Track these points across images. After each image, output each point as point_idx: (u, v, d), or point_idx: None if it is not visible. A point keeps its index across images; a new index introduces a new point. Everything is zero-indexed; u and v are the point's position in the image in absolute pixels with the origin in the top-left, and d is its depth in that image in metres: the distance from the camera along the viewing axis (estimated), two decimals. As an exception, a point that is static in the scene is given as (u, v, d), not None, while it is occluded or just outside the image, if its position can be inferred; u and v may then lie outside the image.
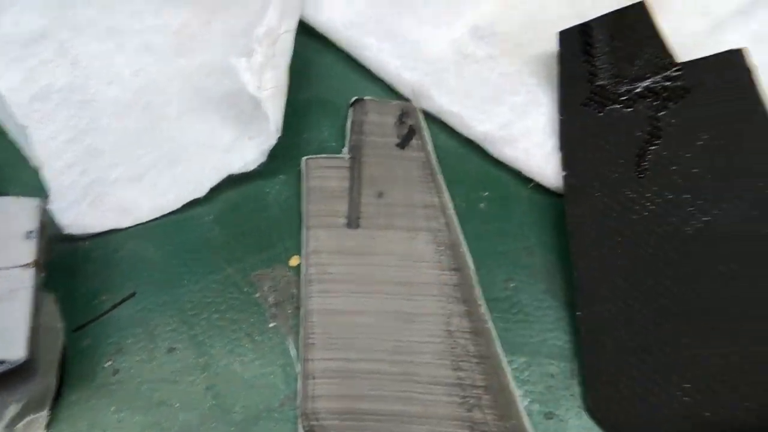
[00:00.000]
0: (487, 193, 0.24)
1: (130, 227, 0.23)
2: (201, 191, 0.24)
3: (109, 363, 0.20)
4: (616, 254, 0.20)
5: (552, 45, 0.26)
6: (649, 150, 0.21)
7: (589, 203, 0.21)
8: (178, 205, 0.24)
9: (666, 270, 0.19)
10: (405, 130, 0.27)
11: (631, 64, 0.24)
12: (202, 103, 0.27)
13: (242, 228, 0.24)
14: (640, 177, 0.21)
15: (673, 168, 0.21)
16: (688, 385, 0.17)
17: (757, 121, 0.21)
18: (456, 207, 0.23)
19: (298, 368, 0.20)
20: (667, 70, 0.23)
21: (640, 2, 0.24)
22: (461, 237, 0.23)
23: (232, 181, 0.25)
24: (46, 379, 0.18)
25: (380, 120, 0.27)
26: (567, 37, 0.25)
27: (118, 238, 0.23)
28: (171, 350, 0.20)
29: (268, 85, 0.24)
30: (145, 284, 0.22)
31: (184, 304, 0.21)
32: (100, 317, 0.21)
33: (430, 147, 0.26)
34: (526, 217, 0.23)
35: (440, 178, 0.25)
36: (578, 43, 0.25)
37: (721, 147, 0.21)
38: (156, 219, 0.24)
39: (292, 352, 0.20)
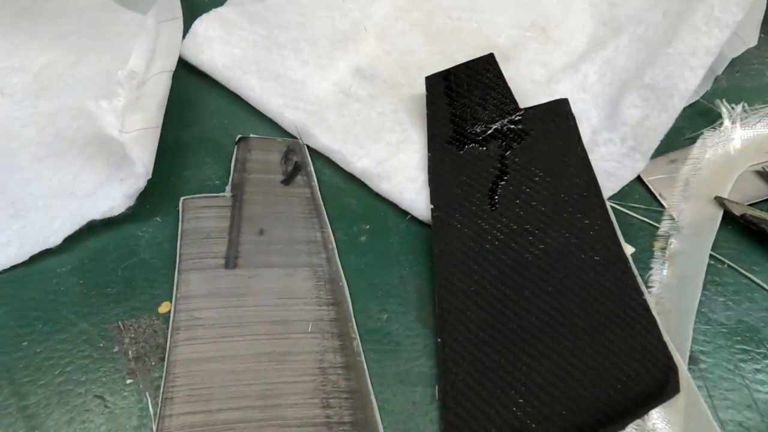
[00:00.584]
0: (368, 226, 0.25)
1: (-45, 287, 0.21)
2: (53, 242, 0.22)
3: None
4: (472, 281, 0.21)
5: (421, 87, 0.28)
6: (499, 185, 0.24)
7: (451, 234, 0.23)
8: (21, 259, 0.21)
9: (511, 294, 0.21)
10: (290, 167, 0.27)
11: (483, 108, 0.26)
12: (64, 148, 0.25)
13: (105, 277, 0.22)
14: (493, 210, 0.23)
15: (517, 201, 0.23)
16: (521, 401, 0.18)
17: (575, 160, 0.24)
18: (338, 241, 0.24)
19: (154, 427, 0.18)
20: (511, 114, 0.26)
21: (490, 54, 0.28)
22: (341, 271, 0.23)
23: (96, 229, 0.23)
24: None
25: (265, 157, 0.27)
26: (432, 82, 0.28)
27: (-62, 301, 0.20)
28: (-8, 430, 0.17)
29: (135, 126, 0.23)
30: (-30, 353, 0.19)
31: (18, 372, 0.19)
32: None
33: (314, 182, 0.26)
34: (401, 248, 0.24)
35: (323, 212, 0.25)
36: (442, 87, 0.28)
37: (550, 183, 0.24)
38: (-6, 275, 0.21)
39: (150, 408, 0.18)
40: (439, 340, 0.20)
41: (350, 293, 0.22)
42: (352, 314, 0.21)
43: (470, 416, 0.18)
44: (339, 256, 0.23)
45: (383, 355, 0.20)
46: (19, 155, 0.24)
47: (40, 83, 0.26)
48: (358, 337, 0.21)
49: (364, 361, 0.20)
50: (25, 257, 0.21)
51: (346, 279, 0.22)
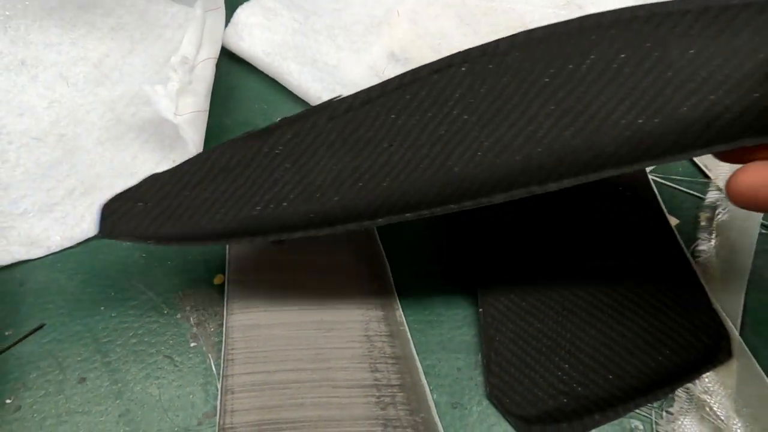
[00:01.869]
0: (405, 202, 0.26)
1: (38, 258, 0.23)
2: (119, 217, 0.24)
3: (10, 400, 0.19)
4: (512, 250, 0.22)
5: (456, 66, 0.29)
6: None
7: (487, 216, 0.23)
8: (92, 233, 0.23)
9: (554, 265, 0.21)
10: (328, 148, 0.28)
11: None
12: (122, 131, 0.27)
13: (164, 251, 0.24)
14: None
15: None
16: (566, 366, 0.19)
17: None
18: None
19: (219, 385, 0.20)
20: None
21: None
22: (381, 247, 0.24)
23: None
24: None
25: (304, 139, 0.28)
26: None
27: (25, 270, 0.22)
28: (81, 380, 0.20)
29: (187, 110, 0.25)
30: (55, 315, 0.21)
31: (98, 333, 0.21)
32: (1, 353, 0.20)
33: (352, 162, 0.28)
34: (438, 222, 0.24)
35: (362, 190, 0.26)
36: None
37: None
38: (70, 248, 0.23)
39: (214, 369, 0.20)
40: (480, 310, 0.21)
41: (390, 265, 0.23)
42: (393, 285, 0.22)
43: (514, 380, 0.19)
44: (378, 231, 0.24)
45: (426, 324, 0.21)
46: (84, 139, 0.26)
47: (100, 72, 0.28)
48: (400, 307, 0.22)
49: (407, 330, 0.21)
50: (94, 233, 0.23)
51: (386, 253, 0.23)
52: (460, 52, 0.17)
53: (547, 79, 0.16)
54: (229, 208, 0.18)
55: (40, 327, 0.21)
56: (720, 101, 0.14)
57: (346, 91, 0.31)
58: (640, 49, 0.15)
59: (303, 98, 0.30)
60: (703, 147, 0.15)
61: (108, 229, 0.19)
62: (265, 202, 0.18)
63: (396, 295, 0.22)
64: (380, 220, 0.17)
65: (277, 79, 0.30)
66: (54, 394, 0.19)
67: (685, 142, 0.15)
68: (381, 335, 0.21)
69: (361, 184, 0.17)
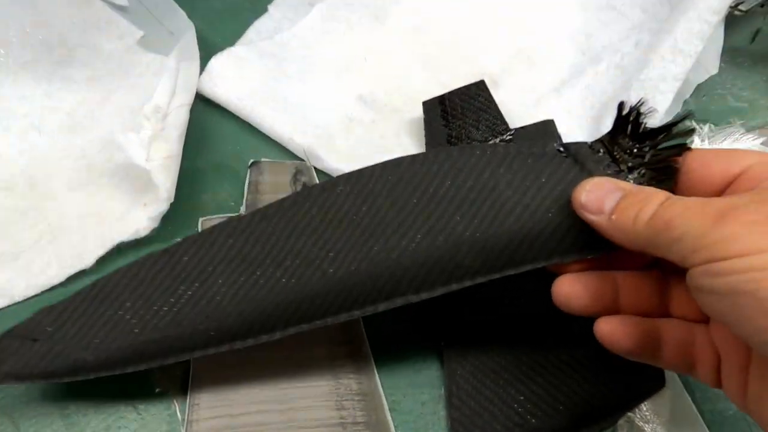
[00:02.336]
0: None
1: (1, 308, 0.22)
2: (86, 263, 0.24)
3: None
4: (472, 288, 0.23)
5: (420, 111, 0.31)
6: None
7: None
8: (58, 280, 0.23)
9: (509, 300, 0.22)
10: (299, 187, 0.29)
11: (477, 128, 0.29)
12: (94, 177, 0.27)
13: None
14: None
15: None
16: (521, 398, 0.20)
17: None
18: (347, 252, 0.25)
19: (183, 431, 0.19)
20: (503, 134, 0.28)
21: (481, 80, 0.30)
22: (351, 279, 0.24)
23: (123, 250, 0.25)
24: None
25: (276, 179, 0.29)
26: (429, 106, 0.30)
27: (-14, 320, 0.22)
28: (35, 438, 0.19)
29: (159, 155, 0.26)
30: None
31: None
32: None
33: (323, 200, 0.28)
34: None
35: (332, 227, 0.27)
36: (438, 111, 0.30)
37: None
38: (34, 296, 0.23)
39: (179, 415, 0.20)
40: (442, 343, 0.21)
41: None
42: (361, 322, 0.23)
43: (474, 413, 0.20)
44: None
45: (392, 359, 0.22)
46: (55, 184, 0.27)
47: (73, 120, 0.29)
48: (367, 343, 0.22)
49: (374, 366, 0.21)
50: (63, 278, 0.23)
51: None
52: (344, 174, 0.20)
53: (414, 200, 0.19)
54: (126, 333, 0.18)
55: (-3, 380, 0.20)
56: (533, 226, 0.17)
57: (317, 131, 0.33)
58: (480, 179, 0.18)
59: (276, 140, 0.31)
60: (530, 263, 0.18)
61: None
62: (163, 323, 0.18)
63: (363, 330, 0.22)
64: (277, 334, 0.18)
65: (250, 122, 0.31)
66: (4, 454, 0.18)
67: (518, 258, 0.18)
68: (347, 372, 0.21)
69: (258, 297, 0.18)
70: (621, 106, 0.18)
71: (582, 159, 0.18)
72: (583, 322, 0.21)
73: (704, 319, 0.16)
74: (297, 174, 0.30)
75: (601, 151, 0.18)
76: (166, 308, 0.18)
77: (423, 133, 0.30)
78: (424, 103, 0.30)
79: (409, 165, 0.19)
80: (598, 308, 0.17)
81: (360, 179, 0.19)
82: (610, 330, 0.17)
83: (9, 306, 0.22)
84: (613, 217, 0.16)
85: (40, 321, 0.19)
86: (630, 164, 0.18)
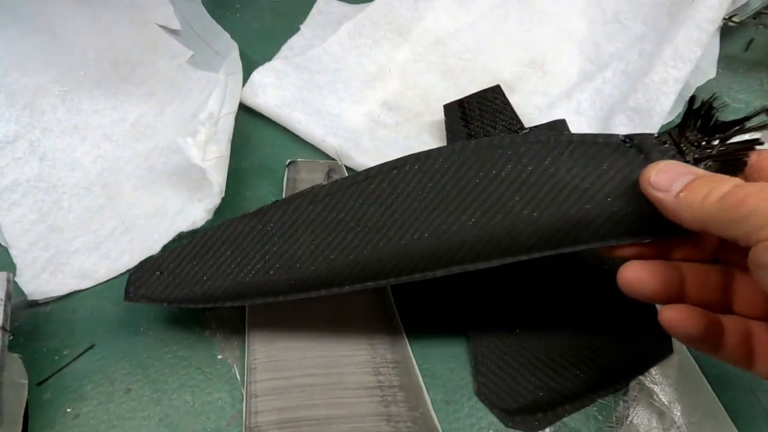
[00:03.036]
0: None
1: (87, 289, 0.26)
2: (154, 250, 0.27)
3: (70, 410, 0.22)
4: (493, 288, 0.25)
5: (440, 114, 0.34)
6: None
7: None
8: (132, 265, 0.27)
9: (524, 294, 0.25)
10: (332, 184, 0.32)
11: (494, 128, 0.31)
12: (154, 178, 0.31)
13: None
14: None
15: None
16: (542, 365, 0.22)
17: None
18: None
19: (243, 391, 0.22)
20: (518, 133, 0.30)
21: (497, 85, 0.33)
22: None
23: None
24: (12, 429, 0.20)
25: (311, 177, 0.33)
26: (449, 108, 0.33)
27: (77, 299, 0.26)
28: (128, 391, 0.23)
29: (212, 156, 0.30)
30: (103, 337, 0.25)
31: (139, 350, 0.24)
32: (60, 370, 0.23)
33: (353, 195, 0.32)
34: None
35: (363, 219, 0.30)
36: (458, 113, 0.33)
37: None
38: (114, 278, 0.27)
39: (238, 377, 0.23)
40: (469, 324, 0.24)
41: (390, 287, 0.26)
42: (393, 301, 0.26)
43: (498, 379, 0.22)
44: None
45: (422, 333, 0.24)
46: (123, 186, 0.31)
47: (137, 129, 0.33)
48: (398, 317, 0.25)
49: (406, 338, 0.24)
50: (136, 263, 0.27)
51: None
52: (413, 155, 0.22)
53: (477, 181, 0.20)
54: (226, 276, 0.22)
55: (91, 347, 0.24)
56: (591, 210, 0.18)
57: (347, 134, 0.36)
58: (541, 165, 0.19)
59: (310, 142, 0.34)
60: (585, 243, 0.19)
61: (131, 295, 0.23)
62: (255, 270, 0.22)
63: (395, 307, 0.25)
64: (346, 287, 0.21)
65: (287, 127, 0.35)
66: (105, 403, 0.22)
67: (572, 238, 0.19)
68: (383, 343, 0.24)
69: (332, 256, 0.21)
70: (692, 100, 0.19)
71: (647, 149, 0.18)
72: (597, 292, 0.22)
73: (766, 317, 0.17)
74: (330, 172, 0.33)
75: (667, 142, 0.18)
76: (257, 258, 0.22)
77: (443, 133, 0.33)
78: (445, 106, 0.33)
79: (474, 149, 0.20)
80: (663, 295, 0.17)
81: (427, 160, 0.21)
82: (678, 317, 0.17)
83: (95, 286, 0.26)
84: (682, 194, 0.16)
85: (165, 258, 0.23)
86: (696, 156, 0.18)
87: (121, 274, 0.27)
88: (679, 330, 0.17)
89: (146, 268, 0.23)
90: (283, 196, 0.31)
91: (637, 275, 0.17)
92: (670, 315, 0.17)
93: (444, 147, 0.22)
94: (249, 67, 0.36)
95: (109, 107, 0.34)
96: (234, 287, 0.22)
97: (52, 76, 0.33)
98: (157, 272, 0.23)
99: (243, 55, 0.35)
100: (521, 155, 0.20)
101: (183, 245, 0.23)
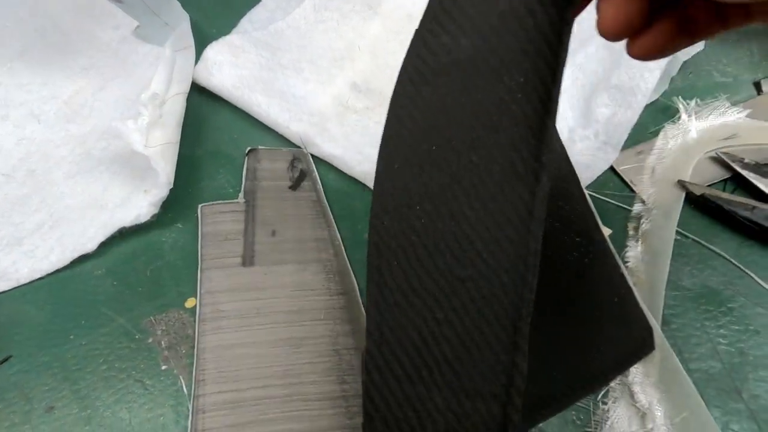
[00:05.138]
0: (370, 221, 0.27)
1: (6, 291, 0.23)
2: (89, 248, 0.24)
3: (-26, 433, 0.19)
4: None
5: (413, 95, 0.32)
6: None
7: None
8: (62, 264, 0.24)
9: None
10: (296, 174, 0.30)
11: None
12: (92, 165, 0.28)
13: (136, 278, 0.24)
14: None
15: None
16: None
17: (555, 155, 0.27)
18: (343, 238, 0.26)
19: (190, 405, 0.20)
20: None
21: None
22: (348, 264, 0.25)
23: (126, 235, 0.25)
24: None
25: (273, 166, 0.30)
26: None
27: (-7, 302, 0.23)
28: (49, 409, 0.20)
29: (157, 142, 0.26)
30: (23, 346, 0.21)
31: (67, 361, 0.21)
32: (-33, 388, 0.20)
33: (319, 186, 0.29)
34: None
35: (329, 213, 0.28)
36: None
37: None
38: (39, 279, 0.24)
39: (185, 390, 0.21)
40: None
41: (357, 283, 0.24)
42: (360, 302, 0.24)
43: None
44: (345, 251, 0.26)
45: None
46: (54, 173, 0.27)
47: (71, 108, 0.29)
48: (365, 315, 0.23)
49: (372, 339, 0.22)
50: (66, 262, 0.24)
51: (353, 271, 0.25)
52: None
53: None
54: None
55: (6, 359, 0.21)
56: None
57: (313, 119, 0.33)
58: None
59: (272, 128, 0.31)
60: None
61: None
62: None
63: (363, 310, 0.23)
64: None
65: (246, 111, 0.32)
66: (20, 425, 0.19)
67: None
68: (349, 349, 0.22)
69: None
70: None
71: None
72: (572, 284, 0.21)
73: None
74: (294, 161, 0.30)
75: None
76: None
77: (416, 120, 0.31)
78: None
79: None
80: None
81: None
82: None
83: (15, 288, 0.23)
84: None
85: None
86: None
87: (49, 275, 0.24)
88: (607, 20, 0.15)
89: None
90: (243, 187, 0.28)
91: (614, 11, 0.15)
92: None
93: None
94: (203, 41, 0.32)
95: (37, 82, 0.29)
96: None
97: (-39, 42, 0.29)
98: None
99: (196, 28, 0.32)
100: None
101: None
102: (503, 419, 0.15)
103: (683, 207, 0.26)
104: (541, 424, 0.20)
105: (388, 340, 0.16)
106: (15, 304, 0.23)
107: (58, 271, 0.24)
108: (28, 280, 0.23)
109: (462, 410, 0.15)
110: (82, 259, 0.24)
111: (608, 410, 0.20)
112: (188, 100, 0.29)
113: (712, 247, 0.25)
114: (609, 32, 0.16)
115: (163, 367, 0.21)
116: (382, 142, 0.19)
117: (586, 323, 0.22)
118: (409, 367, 0.16)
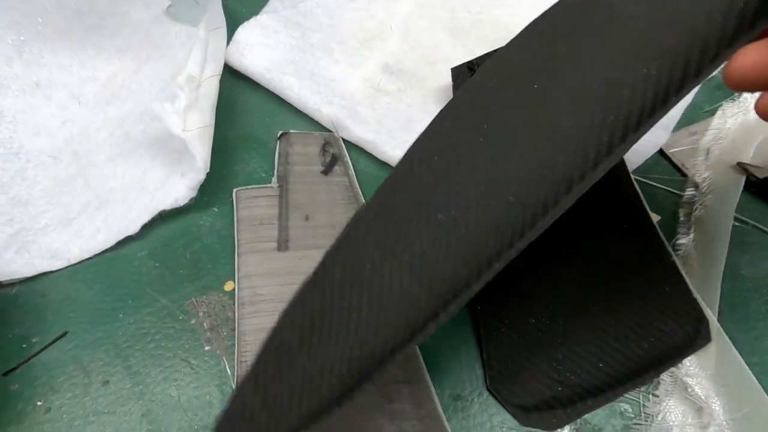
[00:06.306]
0: (403, 208, 0.27)
1: (59, 270, 0.24)
2: (132, 230, 0.25)
3: (40, 403, 0.20)
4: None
5: (447, 78, 0.30)
6: None
7: None
8: (108, 245, 0.25)
9: (545, 262, 0.23)
10: (328, 158, 0.30)
11: None
12: (132, 147, 0.28)
13: (176, 260, 0.25)
14: None
15: None
16: (560, 356, 0.21)
17: None
18: (376, 222, 0.26)
19: (233, 385, 0.21)
20: None
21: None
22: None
23: (165, 218, 0.26)
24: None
25: (305, 150, 0.30)
26: (458, 72, 0.30)
27: (47, 281, 0.24)
28: (105, 383, 0.21)
29: (194, 125, 0.26)
30: (77, 323, 0.23)
31: (118, 338, 0.22)
32: (29, 360, 0.21)
33: (351, 171, 0.29)
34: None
35: (361, 198, 0.28)
36: (467, 77, 0.30)
37: None
38: (87, 259, 0.25)
39: (228, 371, 0.22)
40: (478, 307, 0.22)
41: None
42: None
43: (512, 372, 0.21)
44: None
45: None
46: (96, 155, 0.28)
47: (109, 91, 0.30)
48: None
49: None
50: (112, 243, 0.25)
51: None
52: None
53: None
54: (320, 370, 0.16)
55: (64, 335, 0.22)
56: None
57: (344, 102, 0.33)
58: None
59: (303, 111, 0.31)
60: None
61: None
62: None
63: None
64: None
65: (277, 93, 0.32)
66: (80, 396, 0.21)
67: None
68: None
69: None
70: None
71: None
72: (620, 274, 0.21)
73: None
74: (326, 145, 0.30)
75: None
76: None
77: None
78: (453, 69, 0.30)
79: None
80: None
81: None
82: None
83: (66, 267, 0.24)
84: None
85: (243, 400, 0.17)
86: None
87: (96, 255, 0.25)
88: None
89: (231, 421, 0.16)
90: (275, 171, 0.28)
91: (758, 58, 0.14)
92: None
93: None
94: (233, 22, 0.32)
95: (77, 63, 0.30)
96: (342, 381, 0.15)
97: (3, 21, 0.29)
98: (249, 421, 0.16)
99: (226, 8, 0.31)
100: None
101: (254, 366, 0.17)
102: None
103: (742, 192, 0.25)
104: (587, 415, 0.20)
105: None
106: (68, 283, 0.24)
107: (104, 251, 0.25)
108: (78, 260, 0.24)
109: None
110: (126, 240, 0.25)
111: (660, 402, 0.20)
112: (221, 82, 0.29)
113: (774, 235, 0.24)
114: (738, 81, 0.15)
115: (206, 348, 0.22)
116: None
117: (634, 313, 0.21)
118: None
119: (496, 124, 0.16)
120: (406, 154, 0.19)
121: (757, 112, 0.16)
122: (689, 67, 0.14)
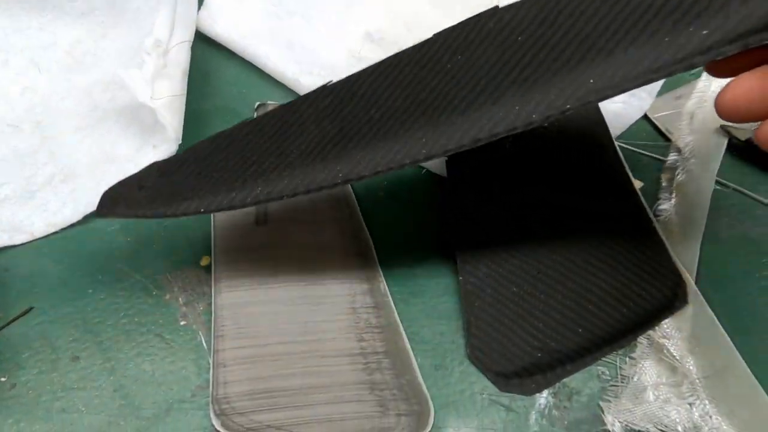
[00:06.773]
0: (385, 182, 0.26)
1: (23, 244, 0.23)
2: (101, 203, 0.24)
3: (5, 378, 0.20)
4: (487, 221, 0.23)
5: (431, 47, 0.30)
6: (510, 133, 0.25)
7: (465, 181, 0.24)
8: (75, 219, 0.24)
9: (526, 230, 0.23)
10: (308, 130, 0.29)
11: None
12: (100, 118, 0.27)
13: (150, 235, 0.24)
14: (506, 156, 0.24)
15: (529, 147, 0.24)
16: (540, 324, 0.21)
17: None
18: (358, 197, 0.26)
19: (210, 360, 0.21)
20: None
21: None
22: (363, 223, 0.25)
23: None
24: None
25: (284, 122, 0.29)
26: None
27: (9, 256, 0.23)
28: (75, 359, 0.20)
29: (163, 94, 0.25)
30: (43, 299, 0.22)
31: (88, 314, 0.22)
32: (-7, 337, 0.20)
33: (332, 144, 0.28)
34: (418, 198, 0.26)
35: (343, 171, 0.27)
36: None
37: (561, 127, 0.25)
38: (55, 233, 0.24)
39: (204, 345, 0.21)
40: (460, 278, 0.22)
41: (373, 242, 0.24)
42: (377, 260, 0.24)
43: (493, 340, 0.21)
44: (360, 210, 0.25)
45: (409, 295, 0.23)
46: (62, 125, 0.26)
47: (73, 58, 0.28)
48: (384, 280, 0.23)
49: (391, 301, 0.22)
50: (79, 217, 0.24)
51: (369, 230, 0.24)
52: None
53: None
54: (216, 180, 0.20)
55: (29, 310, 0.21)
56: None
57: (324, 72, 0.32)
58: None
59: (280, 81, 0.30)
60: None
61: (105, 210, 0.21)
62: (253, 171, 0.20)
63: (380, 268, 0.23)
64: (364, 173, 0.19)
65: (254, 63, 0.30)
66: (48, 372, 0.20)
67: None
68: (366, 307, 0.22)
69: (350, 144, 0.19)
70: None
71: None
72: (600, 239, 0.21)
73: None
74: (305, 117, 0.29)
75: None
76: (253, 158, 0.20)
77: (434, 74, 0.29)
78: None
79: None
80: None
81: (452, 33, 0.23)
82: None
83: (31, 242, 0.23)
84: None
85: (147, 175, 0.22)
86: None
87: (63, 229, 0.24)
88: None
89: (125, 184, 0.22)
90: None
91: (750, 85, 0.15)
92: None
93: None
94: (207, -16, 0.30)
95: (35, 26, 0.28)
96: (226, 192, 0.20)
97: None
98: (138, 188, 0.21)
99: (199, -30, 0.29)
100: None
101: (167, 160, 0.22)
102: None
103: (724, 155, 0.25)
104: (565, 379, 0.20)
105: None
106: (33, 258, 0.23)
107: (72, 225, 0.24)
108: (42, 234, 0.23)
109: None
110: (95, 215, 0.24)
111: (636, 364, 0.20)
112: (193, 51, 0.27)
113: (754, 195, 0.24)
114: (730, 113, 0.15)
115: (182, 323, 0.22)
116: None
117: (614, 279, 0.21)
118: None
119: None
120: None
121: (757, 142, 0.16)
122: None
